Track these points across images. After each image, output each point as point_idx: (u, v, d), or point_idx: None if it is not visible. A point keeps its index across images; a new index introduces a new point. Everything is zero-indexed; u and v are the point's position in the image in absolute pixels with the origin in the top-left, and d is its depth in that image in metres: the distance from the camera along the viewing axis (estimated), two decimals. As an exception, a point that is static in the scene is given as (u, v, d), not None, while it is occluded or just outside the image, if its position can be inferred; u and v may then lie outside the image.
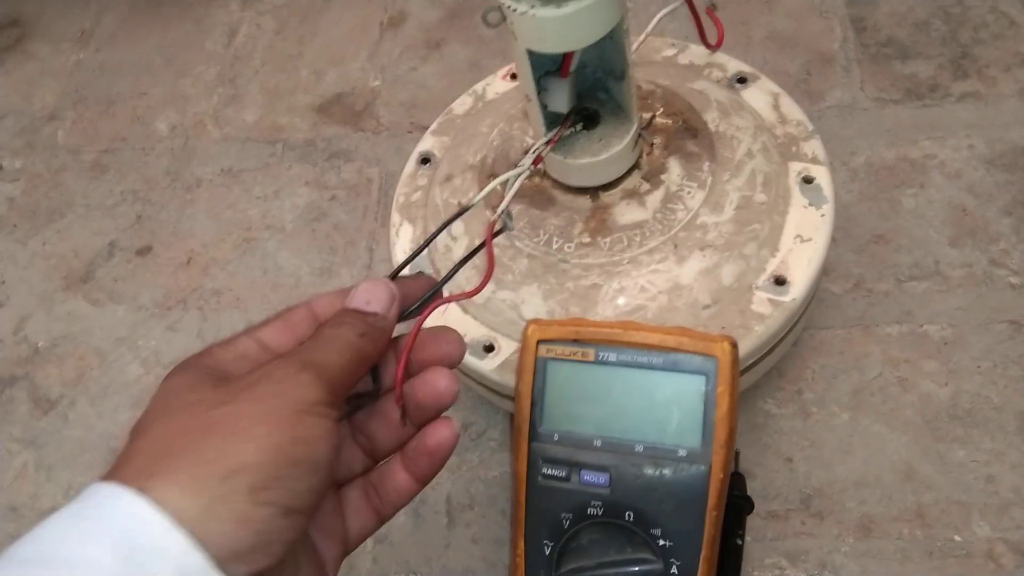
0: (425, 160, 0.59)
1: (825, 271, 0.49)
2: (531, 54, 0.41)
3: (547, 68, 0.44)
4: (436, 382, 0.36)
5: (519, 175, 0.41)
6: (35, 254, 0.72)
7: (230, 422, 0.27)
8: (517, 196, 0.51)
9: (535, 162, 0.43)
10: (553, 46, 0.39)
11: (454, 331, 0.38)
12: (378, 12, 0.83)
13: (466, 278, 0.51)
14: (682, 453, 0.40)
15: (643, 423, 0.40)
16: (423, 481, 0.37)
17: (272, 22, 0.84)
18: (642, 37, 0.54)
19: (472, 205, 0.38)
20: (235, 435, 0.27)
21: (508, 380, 0.47)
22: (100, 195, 0.75)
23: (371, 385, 0.36)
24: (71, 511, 0.25)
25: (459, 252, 0.51)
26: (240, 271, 0.68)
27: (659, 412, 0.40)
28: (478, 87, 0.62)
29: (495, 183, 0.40)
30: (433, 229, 0.54)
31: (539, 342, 0.42)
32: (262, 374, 0.30)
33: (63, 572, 0.23)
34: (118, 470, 0.27)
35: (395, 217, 0.57)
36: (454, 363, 0.37)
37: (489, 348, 0.49)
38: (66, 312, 0.69)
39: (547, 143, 0.45)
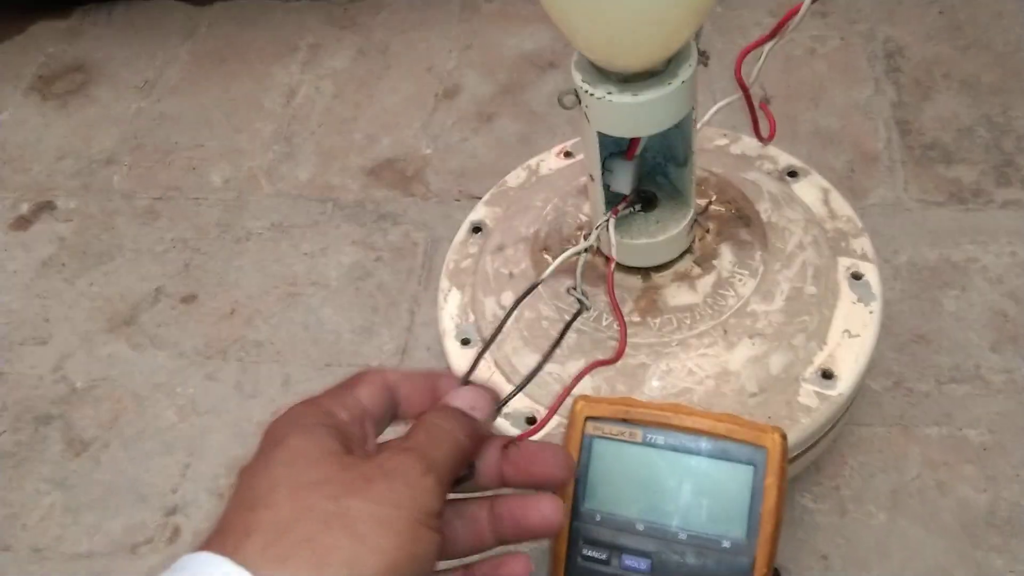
0: (477, 229, 0.60)
1: (867, 367, 0.50)
2: (600, 136, 0.42)
3: (612, 150, 0.45)
4: (544, 507, 0.36)
5: (583, 248, 0.42)
6: (81, 294, 0.74)
7: (354, 520, 0.28)
8: (569, 271, 0.52)
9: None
10: (625, 131, 0.40)
11: (563, 451, 0.38)
12: (434, 84, 0.85)
13: (513, 348, 0.51)
14: (726, 544, 0.39)
15: (688, 510, 0.40)
16: None
17: (331, 86, 0.87)
18: (699, 126, 0.56)
19: (542, 281, 0.39)
20: (357, 539, 0.27)
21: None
22: (150, 241, 0.76)
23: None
24: None
25: (509, 321, 0.52)
26: (282, 325, 0.69)
27: (705, 500, 0.40)
28: (532, 162, 0.63)
29: (571, 252, 0.41)
30: (481, 297, 0.55)
31: (587, 419, 0.42)
32: (387, 471, 0.30)
33: None
34: (236, 543, 0.27)
35: (444, 283, 0.57)
36: (556, 483, 0.38)
37: (531, 420, 0.49)
38: (107, 354, 0.69)
39: (609, 217, 0.46)
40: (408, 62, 0.88)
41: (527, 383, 0.39)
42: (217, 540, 0.27)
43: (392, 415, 0.36)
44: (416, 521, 0.29)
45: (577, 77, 0.40)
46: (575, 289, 0.41)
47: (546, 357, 0.39)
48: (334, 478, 0.29)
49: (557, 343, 0.40)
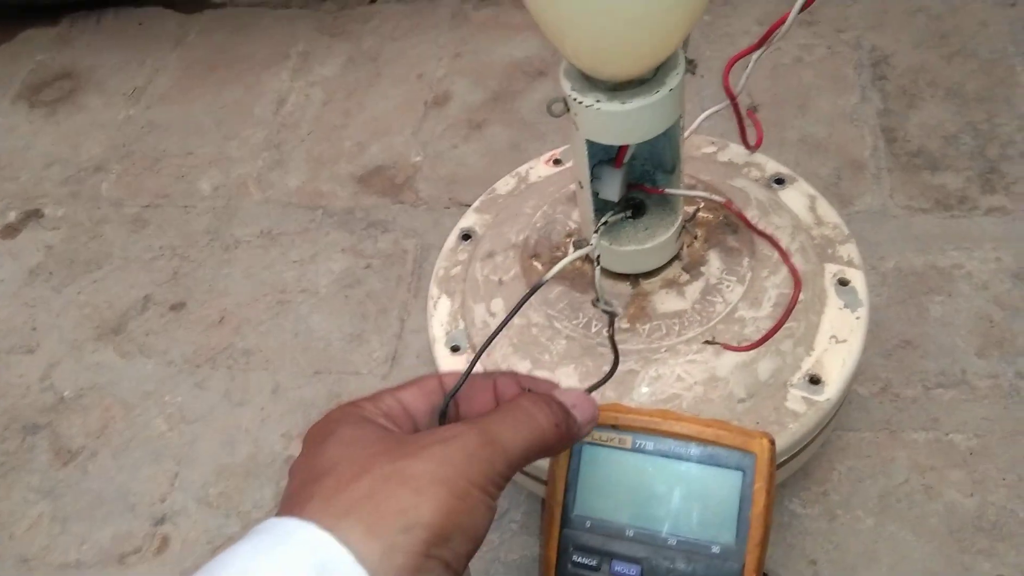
0: (466, 236, 0.60)
1: (854, 373, 0.50)
2: (589, 143, 0.42)
3: (600, 158, 0.45)
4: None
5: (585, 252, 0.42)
6: (69, 302, 0.73)
7: (412, 477, 0.29)
8: (559, 278, 0.52)
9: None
10: (614, 138, 0.41)
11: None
12: (424, 91, 0.86)
13: (502, 355, 0.51)
14: (715, 550, 0.39)
15: (677, 515, 0.40)
16: None
17: (321, 93, 0.87)
18: (687, 134, 0.56)
19: (544, 281, 0.39)
20: (416, 492, 0.29)
21: (539, 463, 0.47)
22: (139, 249, 0.76)
23: None
24: (266, 538, 0.27)
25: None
26: (271, 332, 0.69)
27: (694, 505, 0.40)
28: (521, 169, 0.63)
29: (571, 258, 0.41)
30: (471, 304, 0.55)
31: (577, 425, 0.42)
32: (444, 437, 0.31)
33: None
34: (301, 506, 0.28)
35: (434, 290, 0.58)
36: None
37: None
38: (95, 362, 0.69)
39: (602, 223, 0.46)
40: (398, 70, 0.88)
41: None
42: (282, 511, 0.29)
43: (444, 415, 0.36)
44: (470, 483, 0.30)
45: (566, 85, 0.40)
46: (599, 301, 0.42)
47: (613, 367, 0.42)
48: (391, 449, 0.30)
49: (616, 358, 0.42)
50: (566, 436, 0.35)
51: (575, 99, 0.39)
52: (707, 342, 0.48)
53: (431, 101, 0.85)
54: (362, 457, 0.30)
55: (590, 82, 0.39)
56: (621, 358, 0.48)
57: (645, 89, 0.38)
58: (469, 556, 0.30)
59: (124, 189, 0.82)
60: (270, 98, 0.87)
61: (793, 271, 0.49)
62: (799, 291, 0.49)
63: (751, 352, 0.48)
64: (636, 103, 0.38)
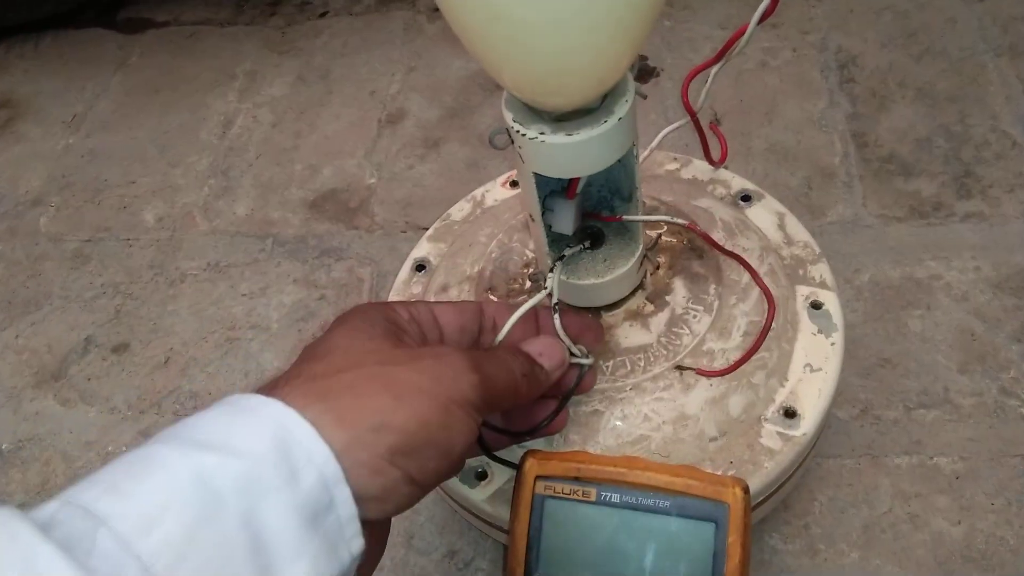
0: (420, 267, 0.57)
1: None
2: (537, 176, 0.39)
3: (552, 188, 0.42)
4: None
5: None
6: (7, 347, 0.69)
7: (396, 382, 0.29)
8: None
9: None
10: (562, 172, 0.38)
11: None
12: (376, 109, 0.82)
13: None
14: (689, 608, 0.37)
15: (647, 572, 0.38)
16: None
17: (269, 115, 0.83)
18: (646, 152, 0.53)
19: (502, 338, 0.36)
20: (396, 397, 0.29)
21: (501, 512, 0.44)
22: (79, 287, 0.72)
23: None
24: (233, 408, 0.27)
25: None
26: (220, 372, 0.65)
27: (665, 561, 0.38)
28: (477, 193, 0.60)
29: (527, 307, 0.39)
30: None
31: (537, 478, 0.39)
32: (438, 353, 0.32)
33: (223, 455, 0.25)
34: (284, 382, 0.29)
35: (386, 327, 0.54)
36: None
37: (482, 475, 0.46)
38: (34, 412, 0.65)
39: (557, 262, 0.43)
40: (350, 87, 0.85)
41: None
42: (265, 388, 0.29)
43: (476, 340, 0.39)
44: (452, 400, 0.30)
45: (508, 116, 0.37)
46: (573, 355, 0.41)
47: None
48: (386, 351, 0.31)
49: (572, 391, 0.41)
50: (536, 385, 0.37)
51: (518, 131, 0.36)
52: (678, 367, 0.45)
53: (385, 119, 0.81)
54: (359, 351, 0.31)
55: (534, 113, 0.36)
56: (585, 398, 0.46)
57: (592, 119, 0.35)
58: (439, 475, 0.31)
59: (64, 223, 0.78)
60: (216, 121, 0.84)
61: (766, 291, 0.47)
62: (773, 312, 0.46)
63: (721, 387, 0.45)
64: (583, 134, 0.35)
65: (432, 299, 0.54)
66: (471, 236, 0.56)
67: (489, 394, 0.32)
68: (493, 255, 0.53)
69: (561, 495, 0.39)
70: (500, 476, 0.46)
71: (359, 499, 0.27)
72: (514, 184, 0.60)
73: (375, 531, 0.31)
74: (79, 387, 0.66)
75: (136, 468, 0.25)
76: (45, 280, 0.73)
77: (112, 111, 0.87)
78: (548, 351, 0.38)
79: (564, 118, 0.36)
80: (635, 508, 0.38)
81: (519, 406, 0.39)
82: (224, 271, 0.71)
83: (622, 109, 0.36)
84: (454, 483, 0.46)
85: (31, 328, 0.70)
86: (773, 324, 0.47)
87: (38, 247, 0.76)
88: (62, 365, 0.67)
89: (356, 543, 0.28)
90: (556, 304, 0.41)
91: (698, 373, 0.45)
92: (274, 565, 0.25)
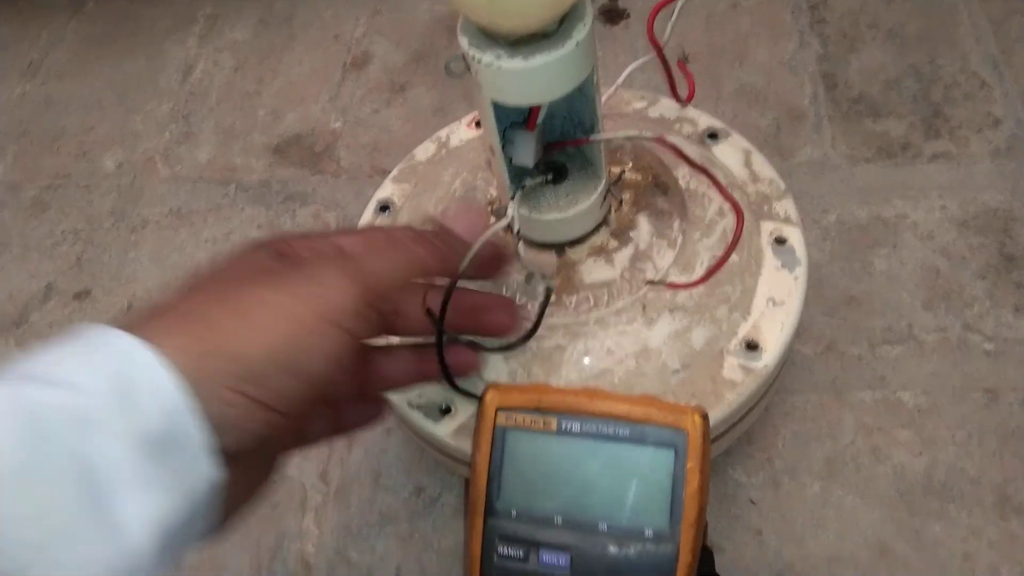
0: (384, 207, 0.56)
1: (796, 333, 0.48)
2: (496, 106, 0.39)
3: (513, 120, 0.42)
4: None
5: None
6: (-35, 296, 0.68)
7: (251, 305, 0.28)
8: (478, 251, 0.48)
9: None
10: (520, 99, 0.37)
11: (510, 301, 0.42)
12: (341, 53, 0.81)
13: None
14: (648, 533, 0.37)
15: (607, 500, 0.38)
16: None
17: (230, 59, 0.82)
18: (612, 89, 0.52)
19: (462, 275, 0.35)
20: (246, 321, 0.28)
21: (465, 446, 0.44)
22: (39, 235, 0.71)
23: None
24: (76, 340, 0.26)
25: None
26: (185, 319, 0.64)
27: (624, 488, 0.38)
28: (442, 133, 0.59)
29: (492, 229, 0.39)
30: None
31: (498, 409, 0.39)
32: (309, 270, 0.30)
33: (56, 389, 0.24)
34: (149, 313, 0.28)
35: (349, 268, 0.54)
36: (505, 332, 0.41)
37: (446, 410, 0.46)
38: (-5, 359, 0.64)
39: (517, 191, 0.43)
40: (313, 31, 0.83)
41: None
42: (130, 319, 0.28)
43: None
44: (321, 317, 0.29)
45: (463, 41, 0.36)
46: (534, 277, 0.39)
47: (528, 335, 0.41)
48: (261, 277, 0.30)
49: (534, 327, 0.41)
50: (450, 258, 0.36)
51: (473, 56, 0.35)
52: (649, 282, 0.45)
53: (349, 63, 0.80)
54: (233, 280, 0.30)
55: (489, 38, 0.35)
56: (547, 333, 0.45)
57: (549, 44, 0.34)
58: (302, 399, 0.29)
59: (21, 171, 0.76)
60: (176, 67, 0.82)
61: (733, 203, 0.45)
62: (741, 221, 0.45)
63: (684, 320, 0.45)
64: (540, 59, 0.34)
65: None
66: (435, 176, 0.55)
67: (382, 291, 0.31)
68: (457, 194, 0.52)
69: (522, 426, 0.39)
70: (464, 411, 0.46)
71: (216, 430, 0.26)
72: (479, 124, 0.59)
73: (252, 462, 0.30)
74: (41, 333, 0.65)
75: None
76: (3, 228, 0.72)
77: (68, 59, 0.85)
78: (459, 214, 0.38)
79: (520, 43, 0.35)
80: (595, 437, 0.38)
81: (434, 276, 0.37)
82: (186, 217, 0.70)
83: (580, 33, 0.35)
84: (418, 418, 0.46)
85: (-10, 277, 0.69)
86: (734, 259, 0.47)
87: (-5, 196, 0.74)
88: (23, 312, 0.66)
89: (213, 473, 0.27)
90: (518, 232, 0.40)
91: (668, 287, 0.45)
92: (109, 497, 0.24)
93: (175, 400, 0.25)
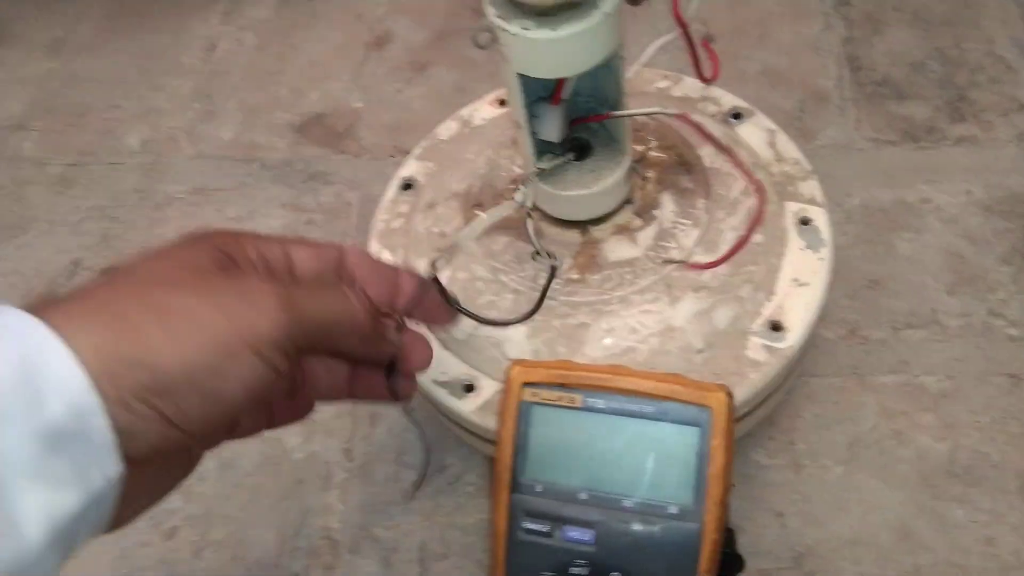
0: (407, 186, 0.56)
1: (820, 316, 0.47)
2: (523, 79, 0.39)
3: (539, 94, 0.42)
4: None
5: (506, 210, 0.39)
6: (-7, 270, 0.69)
7: (175, 314, 0.27)
8: (503, 228, 0.48)
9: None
10: (546, 71, 0.37)
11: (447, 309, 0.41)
12: (363, 32, 0.81)
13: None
14: (673, 510, 0.38)
15: (632, 476, 0.38)
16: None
17: (253, 38, 0.82)
18: (636, 67, 0.52)
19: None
20: (167, 329, 0.26)
21: (489, 423, 0.44)
22: (65, 211, 0.71)
23: None
24: None
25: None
26: (208, 295, 0.65)
27: (649, 465, 0.38)
28: (464, 112, 0.59)
29: (497, 214, 0.38)
30: (414, 259, 0.51)
31: (524, 385, 0.40)
32: (245, 286, 0.29)
33: None
34: (56, 304, 0.26)
35: (374, 245, 0.54)
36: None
37: (469, 388, 0.46)
38: (21, 333, 0.65)
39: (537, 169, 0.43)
40: (335, 10, 0.83)
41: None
42: (49, 300, 0.26)
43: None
44: (246, 342, 0.27)
45: (490, 11, 0.36)
46: (539, 254, 0.39)
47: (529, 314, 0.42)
48: (180, 281, 0.28)
49: (536, 306, 0.41)
50: (381, 343, 0.35)
51: (500, 27, 0.35)
52: (667, 261, 0.45)
53: (371, 42, 0.80)
54: (162, 277, 0.28)
55: (517, 7, 0.35)
56: (571, 311, 0.46)
57: (577, 13, 0.34)
58: (207, 421, 0.27)
59: (48, 147, 0.76)
60: (199, 44, 0.82)
61: (755, 181, 0.46)
62: (763, 200, 0.45)
63: (708, 299, 0.45)
64: (567, 29, 0.34)
65: (419, 217, 0.53)
66: (458, 154, 0.56)
67: (305, 334, 0.30)
68: (481, 172, 0.53)
69: (547, 402, 0.39)
70: (488, 389, 0.46)
71: (118, 434, 0.25)
72: (502, 103, 0.59)
73: (166, 461, 0.30)
74: (66, 310, 0.65)
75: None
76: (30, 204, 0.72)
77: (93, 35, 0.85)
78: (410, 289, 0.37)
79: (547, 12, 0.35)
80: (620, 414, 0.39)
81: (369, 343, 0.35)
82: (210, 195, 0.70)
83: (607, 3, 0.35)
84: (442, 395, 0.46)
85: (17, 252, 0.70)
86: (758, 239, 0.47)
87: (21, 171, 0.75)
88: (50, 288, 0.67)
89: (113, 471, 0.26)
90: (531, 211, 0.40)
91: (689, 267, 0.45)
92: (6, 490, 0.23)
93: (81, 396, 0.24)
